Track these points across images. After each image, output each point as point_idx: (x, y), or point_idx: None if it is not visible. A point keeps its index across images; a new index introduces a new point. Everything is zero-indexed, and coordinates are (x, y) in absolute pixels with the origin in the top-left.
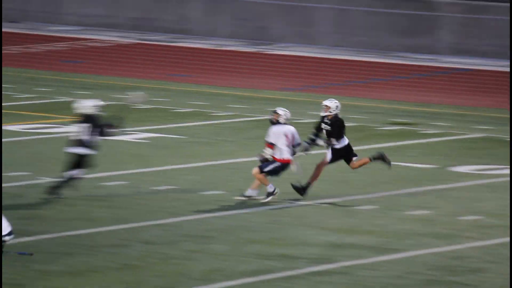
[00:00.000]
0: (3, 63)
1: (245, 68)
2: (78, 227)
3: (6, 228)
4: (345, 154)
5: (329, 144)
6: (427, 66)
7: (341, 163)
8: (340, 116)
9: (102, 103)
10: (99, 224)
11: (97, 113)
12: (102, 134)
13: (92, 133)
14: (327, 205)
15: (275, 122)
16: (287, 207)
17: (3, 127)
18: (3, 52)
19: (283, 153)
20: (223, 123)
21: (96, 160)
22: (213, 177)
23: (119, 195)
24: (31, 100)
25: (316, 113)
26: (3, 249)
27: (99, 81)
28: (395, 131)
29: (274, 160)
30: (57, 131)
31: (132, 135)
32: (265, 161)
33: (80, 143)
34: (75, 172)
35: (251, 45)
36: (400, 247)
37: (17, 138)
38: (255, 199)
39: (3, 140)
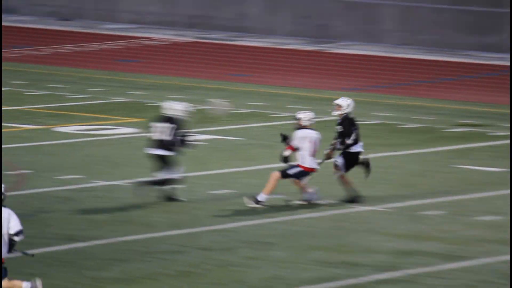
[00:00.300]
0: (56, 62)
1: (305, 68)
2: (132, 232)
3: (15, 226)
4: (356, 161)
5: (347, 145)
6: (496, 65)
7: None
8: (351, 115)
9: (191, 108)
10: (154, 229)
11: (184, 117)
12: (182, 141)
13: (175, 135)
14: (392, 209)
15: (300, 127)
16: (351, 212)
17: (56, 129)
18: (56, 51)
19: (305, 161)
20: (283, 124)
21: (179, 161)
22: None
23: (175, 199)
24: (85, 101)
25: (380, 114)
26: (13, 249)
27: (155, 81)
28: (463, 133)
29: (298, 165)
30: (111, 133)
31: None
32: (285, 161)
33: (161, 144)
34: (163, 174)
35: (312, 43)
36: (468, 254)
37: (69, 140)
38: (315, 202)
39: (56, 142)
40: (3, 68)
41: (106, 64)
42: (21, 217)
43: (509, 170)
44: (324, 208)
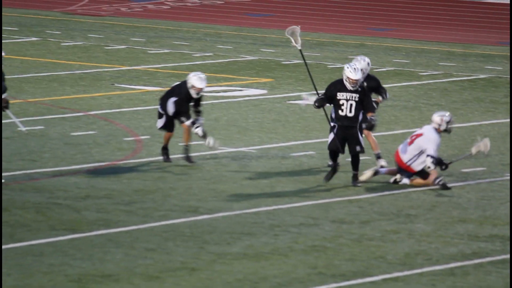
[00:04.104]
0: (180, 17)
1: (456, 20)
2: (260, 204)
3: None
4: None
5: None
6: None
7: None
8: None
9: None
10: (284, 201)
11: None
12: None
13: None
14: None
15: None
16: (500, 181)
17: None
18: (180, 5)
19: None
20: (429, 83)
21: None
22: None
23: (307, 168)
24: (209, 60)
25: None
26: None
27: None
28: None
29: None
30: (240, 95)
31: None
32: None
33: None
34: None
35: None
36: None
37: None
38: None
39: None
40: (122, 24)
41: (234, 19)
42: (141, 187)
43: None
44: (470, 177)
